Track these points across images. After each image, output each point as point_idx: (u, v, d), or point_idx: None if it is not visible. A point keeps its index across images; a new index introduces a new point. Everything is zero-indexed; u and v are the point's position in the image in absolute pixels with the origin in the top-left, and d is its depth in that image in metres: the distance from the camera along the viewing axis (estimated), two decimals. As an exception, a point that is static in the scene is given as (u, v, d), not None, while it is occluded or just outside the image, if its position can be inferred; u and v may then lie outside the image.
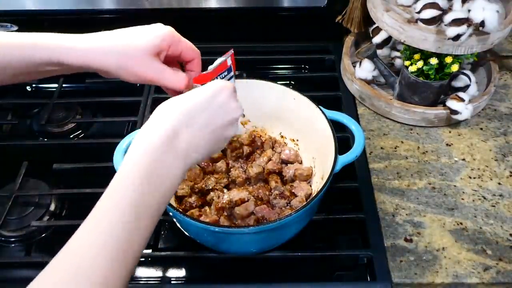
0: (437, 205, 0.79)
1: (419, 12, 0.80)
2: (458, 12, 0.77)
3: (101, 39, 0.54)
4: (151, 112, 0.91)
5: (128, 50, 0.52)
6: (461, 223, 0.76)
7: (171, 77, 0.56)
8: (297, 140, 0.85)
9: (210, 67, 0.60)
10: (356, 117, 0.93)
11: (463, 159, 0.85)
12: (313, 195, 0.67)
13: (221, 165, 0.80)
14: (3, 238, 0.78)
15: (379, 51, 0.96)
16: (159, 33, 0.54)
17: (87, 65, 0.54)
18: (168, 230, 0.79)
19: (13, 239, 0.78)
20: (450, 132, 0.90)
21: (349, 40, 1.03)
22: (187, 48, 0.58)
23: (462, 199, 0.79)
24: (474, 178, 0.83)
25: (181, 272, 0.75)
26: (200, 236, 0.70)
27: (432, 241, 0.74)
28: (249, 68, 1.05)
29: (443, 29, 0.79)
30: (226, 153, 0.83)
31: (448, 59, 0.83)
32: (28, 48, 0.53)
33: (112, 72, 0.54)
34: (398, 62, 0.97)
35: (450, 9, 0.81)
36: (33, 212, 0.80)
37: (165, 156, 0.47)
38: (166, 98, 0.53)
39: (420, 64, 0.84)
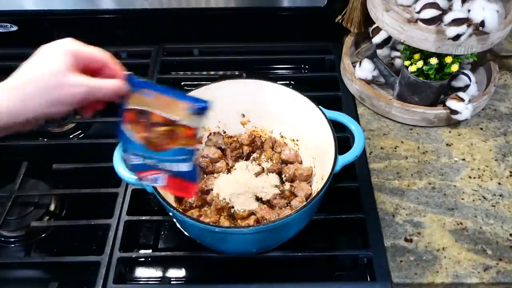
0: (437, 205, 0.79)
1: (419, 12, 0.80)
2: (458, 12, 0.77)
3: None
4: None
5: (44, 79, 0.43)
6: (461, 223, 0.76)
7: (104, 83, 0.46)
8: (297, 140, 0.85)
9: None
10: (356, 117, 0.93)
11: (463, 159, 0.85)
12: (313, 195, 0.67)
13: (221, 165, 0.80)
14: (3, 238, 0.78)
15: (379, 51, 0.96)
16: (64, 48, 0.46)
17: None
18: (168, 230, 0.79)
19: (13, 239, 0.78)
20: (450, 132, 0.90)
21: (349, 40, 1.03)
22: (93, 54, 0.48)
23: (462, 199, 0.79)
24: (474, 178, 0.82)
25: (181, 272, 0.75)
26: (200, 236, 0.70)
27: (432, 241, 0.74)
28: (249, 68, 1.05)
29: (443, 29, 0.78)
30: (226, 153, 0.83)
31: (448, 59, 0.83)
32: None
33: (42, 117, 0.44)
34: (398, 62, 0.97)
35: (450, 9, 0.81)
36: (33, 212, 0.80)
37: None
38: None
39: (420, 64, 0.84)
